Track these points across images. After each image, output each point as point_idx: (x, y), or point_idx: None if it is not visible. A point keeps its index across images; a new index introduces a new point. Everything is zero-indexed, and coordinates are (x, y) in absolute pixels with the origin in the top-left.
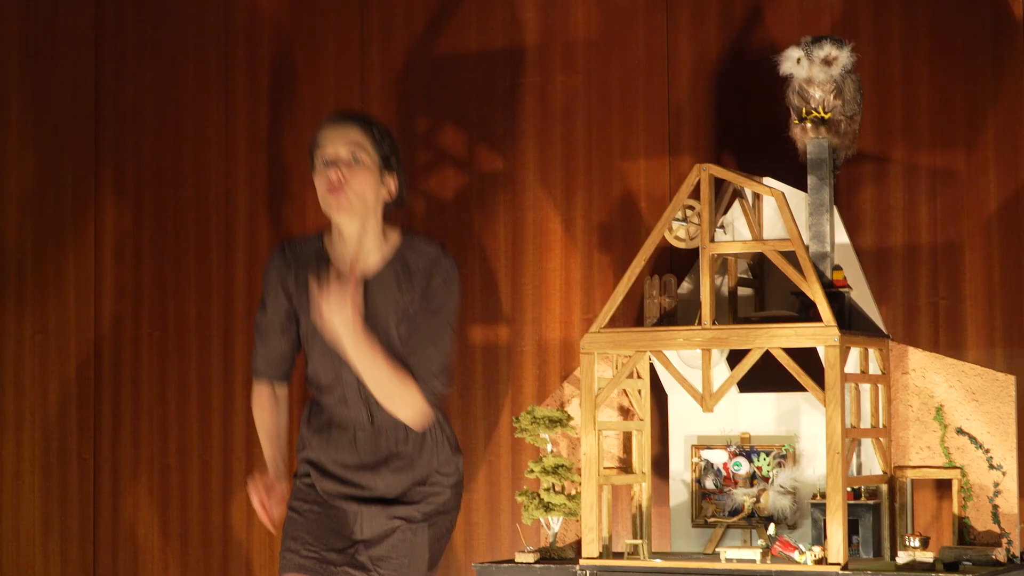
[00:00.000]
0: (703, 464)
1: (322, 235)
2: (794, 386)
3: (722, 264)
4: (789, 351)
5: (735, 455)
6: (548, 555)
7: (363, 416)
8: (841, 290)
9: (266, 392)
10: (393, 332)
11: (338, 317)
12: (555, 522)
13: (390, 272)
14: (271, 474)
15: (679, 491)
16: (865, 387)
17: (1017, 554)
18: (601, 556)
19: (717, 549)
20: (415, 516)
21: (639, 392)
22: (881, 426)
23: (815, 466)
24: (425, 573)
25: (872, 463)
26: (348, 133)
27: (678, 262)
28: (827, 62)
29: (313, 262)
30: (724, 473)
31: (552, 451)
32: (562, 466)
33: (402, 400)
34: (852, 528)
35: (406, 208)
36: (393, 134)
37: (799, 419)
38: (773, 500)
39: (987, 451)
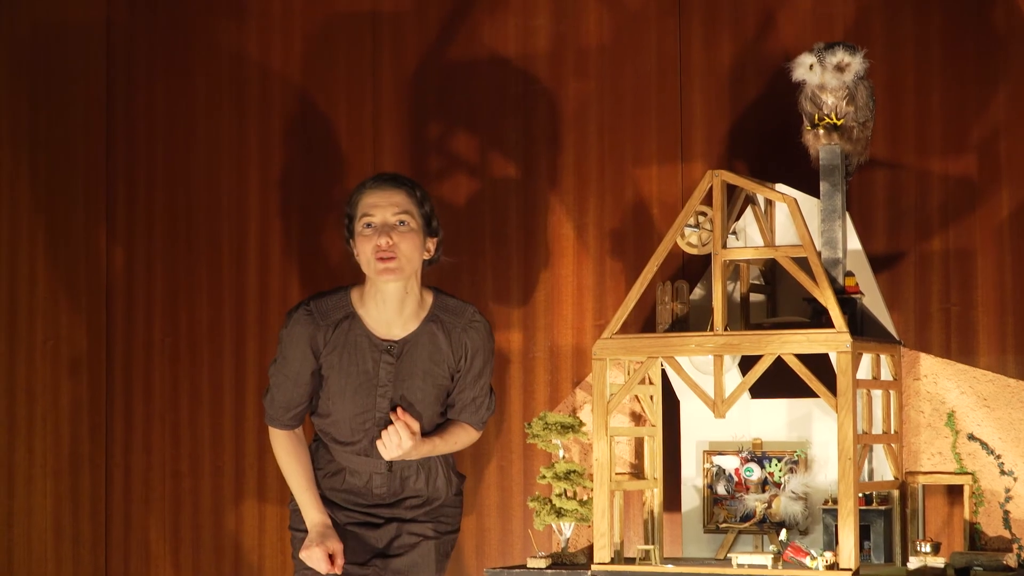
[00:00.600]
0: (715, 470)
1: (348, 294)
2: (806, 392)
3: (734, 270)
4: (801, 357)
5: (747, 461)
6: (560, 560)
7: (382, 464)
8: (853, 296)
9: (288, 437)
10: (428, 388)
11: (400, 453)
12: (567, 527)
13: (425, 331)
14: (320, 532)
15: (691, 497)
16: (877, 393)
17: None
18: (613, 561)
19: (729, 555)
20: (429, 533)
21: (651, 398)
22: (893, 432)
23: (827, 472)
24: None
25: (884, 469)
26: (394, 198)
27: (690, 268)
28: (840, 68)
29: (345, 325)
30: (736, 479)
31: (564, 457)
32: (574, 472)
33: (461, 447)
34: (863, 534)
35: None
36: (430, 195)
37: (811, 425)
38: (785, 506)
39: (998, 457)
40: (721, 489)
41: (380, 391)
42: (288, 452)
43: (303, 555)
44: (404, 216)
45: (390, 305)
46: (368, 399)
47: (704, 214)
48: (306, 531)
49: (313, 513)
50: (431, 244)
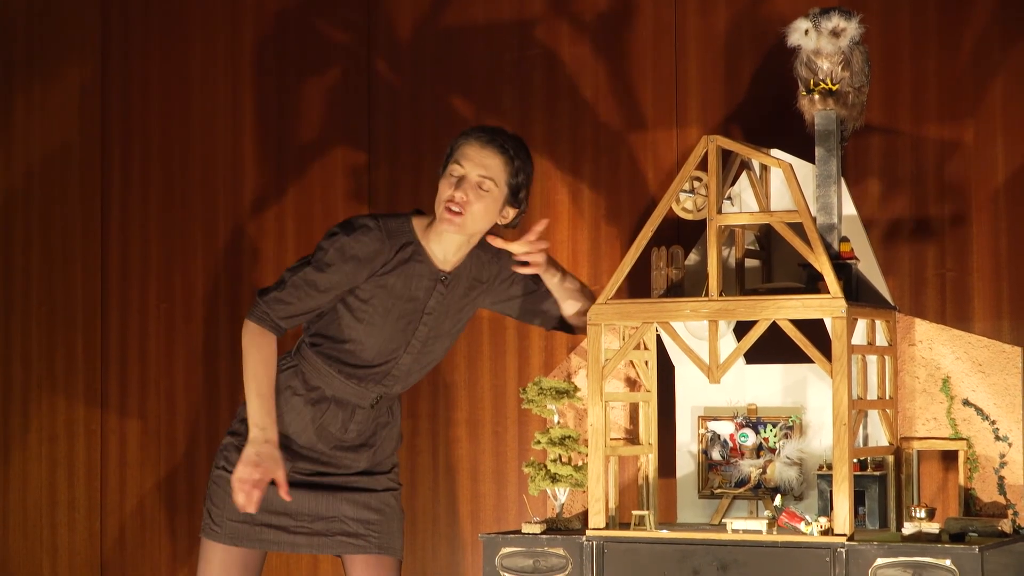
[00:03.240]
0: (710, 435)
1: (410, 220)
2: (801, 357)
3: (729, 235)
4: (796, 323)
5: (742, 426)
6: (555, 526)
7: (370, 398)
8: (848, 262)
9: (269, 340)
10: (455, 319)
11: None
12: (562, 493)
13: (465, 265)
14: (268, 452)
15: (686, 462)
16: (872, 359)
17: (1023, 525)
18: (608, 527)
19: (723, 520)
20: (392, 485)
21: (646, 363)
22: (888, 397)
23: (821, 437)
24: (403, 542)
25: (878, 434)
26: (488, 160)
27: (685, 233)
28: (835, 34)
29: (408, 250)
30: (731, 444)
31: (559, 422)
32: (569, 437)
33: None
34: (858, 499)
35: (413, 178)
36: (531, 165)
37: (806, 390)
38: (779, 471)
39: (993, 422)
40: (716, 455)
41: (424, 319)
42: (265, 354)
43: (241, 473)
44: (488, 182)
45: (448, 247)
46: (410, 325)
47: (699, 179)
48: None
49: (268, 422)
50: (510, 213)
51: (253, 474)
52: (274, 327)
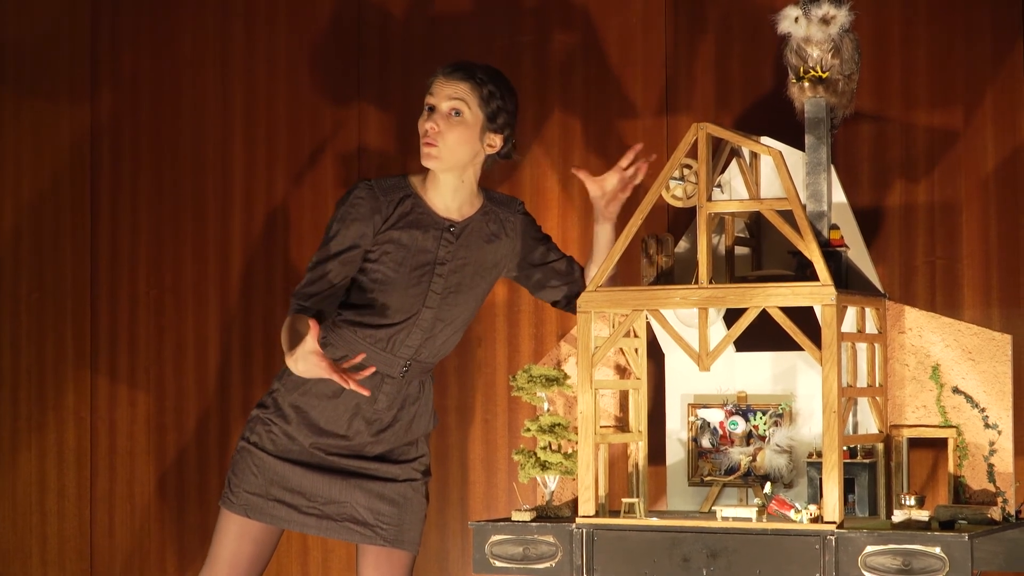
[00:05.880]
0: (699, 423)
1: (406, 178)
2: (791, 345)
3: (719, 223)
4: (786, 310)
5: (731, 414)
6: (544, 513)
7: (399, 365)
8: (838, 249)
9: (299, 316)
10: (477, 279)
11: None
12: (551, 481)
13: (480, 220)
14: (303, 347)
15: (676, 450)
16: (862, 346)
17: (1012, 512)
18: (597, 514)
19: (713, 507)
20: (414, 475)
21: (636, 351)
22: (877, 385)
23: (811, 425)
24: (420, 535)
25: (868, 422)
26: (455, 87)
27: (675, 221)
28: (825, 21)
29: (407, 204)
30: (720, 432)
31: (549, 410)
32: (559, 425)
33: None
34: (848, 487)
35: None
36: (511, 91)
37: (796, 378)
38: (769, 459)
39: (983, 410)
40: (706, 442)
41: (438, 269)
42: (289, 320)
43: (327, 372)
44: (459, 106)
45: (444, 190)
46: (424, 276)
47: (689, 167)
48: (278, 457)
49: (297, 340)
50: (495, 139)
51: (320, 364)
52: (301, 309)
